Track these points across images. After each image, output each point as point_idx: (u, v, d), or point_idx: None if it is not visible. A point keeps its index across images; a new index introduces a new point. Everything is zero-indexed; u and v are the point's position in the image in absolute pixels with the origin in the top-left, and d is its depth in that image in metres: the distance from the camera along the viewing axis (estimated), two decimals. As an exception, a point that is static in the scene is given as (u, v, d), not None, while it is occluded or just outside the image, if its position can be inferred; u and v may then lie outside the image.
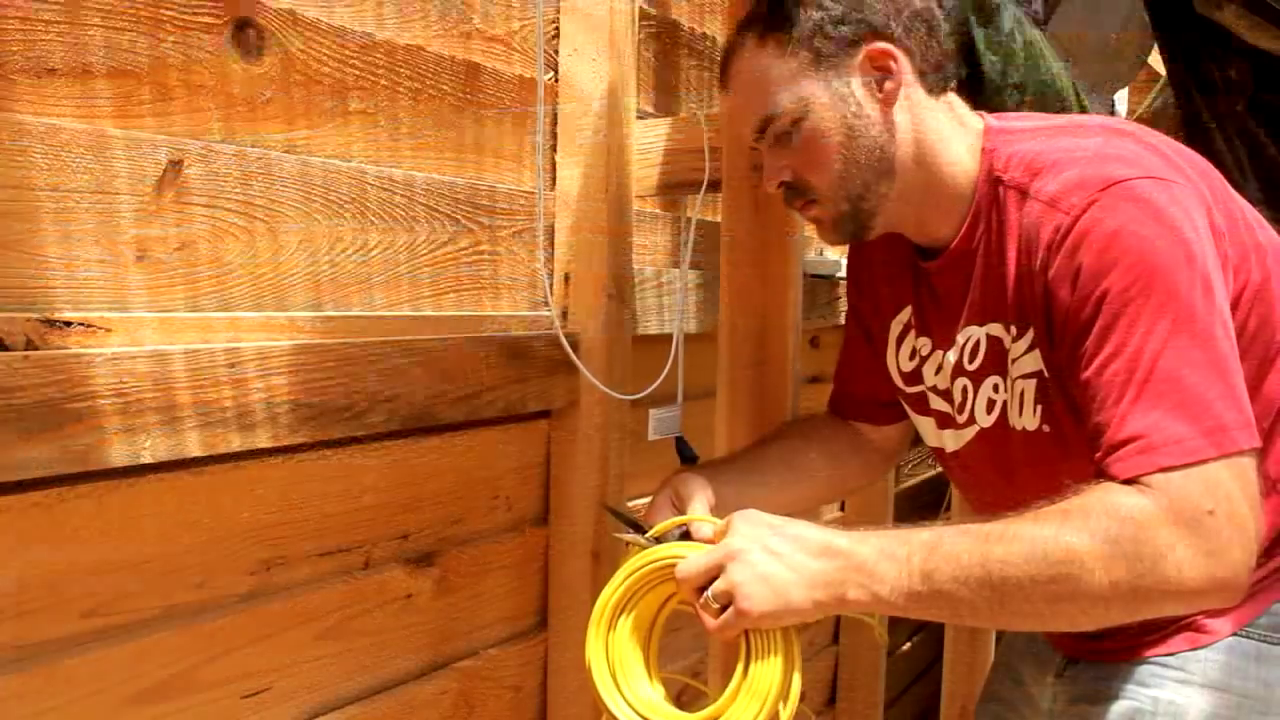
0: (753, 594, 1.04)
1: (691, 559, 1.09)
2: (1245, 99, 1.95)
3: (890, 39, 1.14)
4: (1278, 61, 1.89)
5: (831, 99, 1.13)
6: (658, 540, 1.17)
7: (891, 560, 1.02)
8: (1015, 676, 1.37)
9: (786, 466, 1.36)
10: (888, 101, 1.14)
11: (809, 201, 1.20)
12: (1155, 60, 2.47)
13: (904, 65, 1.15)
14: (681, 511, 1.21)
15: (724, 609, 1.06)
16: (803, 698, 1.09)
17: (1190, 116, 1.99)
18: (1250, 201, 1.21)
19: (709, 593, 1.07)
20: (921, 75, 1.16)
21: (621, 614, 1.15)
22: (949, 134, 1.17)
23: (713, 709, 1.08)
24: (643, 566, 1.14)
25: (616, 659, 1.14)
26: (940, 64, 1.18)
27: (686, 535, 1.18)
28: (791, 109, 1.14)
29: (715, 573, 1.07)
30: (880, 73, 1.14)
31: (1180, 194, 1.04)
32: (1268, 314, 1.10)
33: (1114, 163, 1.06)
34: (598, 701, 1.14)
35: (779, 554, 1.05)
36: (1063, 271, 1.04)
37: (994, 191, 1.14)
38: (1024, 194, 1.10)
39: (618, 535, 1.22)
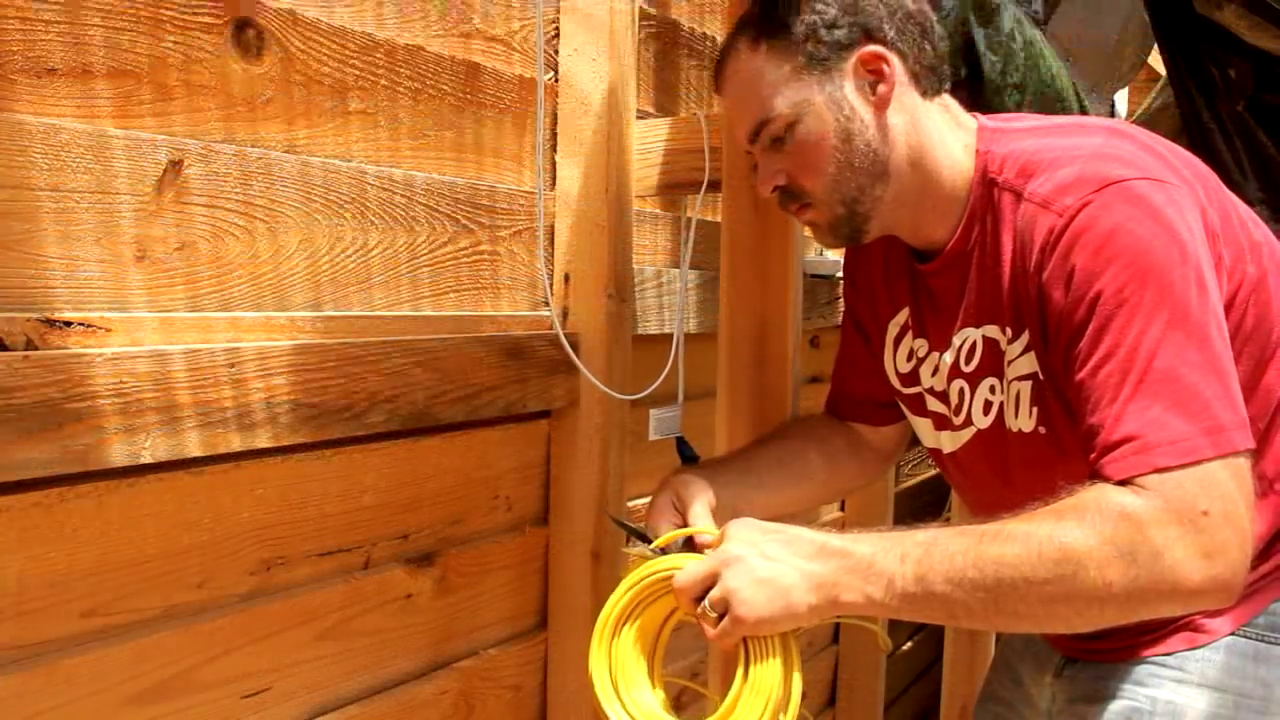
0: (749, 600, 1.04)
1: (688, 569, 1.09)
2: (1245, 99, 1.95)
3: (883, 42, 1.14)
4: (1278, 61, 1.89)
5: (825, 103, 1.14)
6: (663, 551, 1.17)
7: (886, 562, 1.02)
8: (1014, 676, 1.38)
9: (784, 468, 1.36)
10: (881, 105, 1.14)
11: (804, 205, 1.20)
12: (1155, 60, 2.47)
13: (897, 68, 1.15)
14: (683, 513, 1.21)
15: (722, 617, 1.06)
16: (803, 698, 1.09)
17: (1190, 116, 1.99)
18: (1250, 202, 1.21)
19: (706, 601, 1.07)
20: (915, 78, 1.16)
21: (625, 625, 1.15)
22: (943, 136, 1.17)
23: (715, 718, 1.08)
24: (645, 578, 1.14)
25: (619, 668, 1.14)
26: (934, 66, 1.18)
27: (690, 543, 1.18)
28: (785, 113, 1.14)
29: (711, 581, 1.07)
30: (873, 76, 1.14)
31: (1175, 195, 1.04)
32: (1264, 311, 1.10)
33: (1111, 162, 1.06)
34: (598, 711, 1.14)
35: (774, 558, 1.05)
36: (1056, 273, 1.04)
37: (989, 193, 1.14)
38: (1018, 196, 1.10)
39: (625, 550, 1.22)
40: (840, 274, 2.17)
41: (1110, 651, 1.17)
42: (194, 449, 1.06)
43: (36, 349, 0.94)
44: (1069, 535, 0.96)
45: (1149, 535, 0.94)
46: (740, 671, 1.08)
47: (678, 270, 1.77)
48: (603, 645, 1.15)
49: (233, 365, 1.09)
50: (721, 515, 1.20)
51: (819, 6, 1.14)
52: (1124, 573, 0.94)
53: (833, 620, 2.35)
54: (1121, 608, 0.97)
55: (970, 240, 1.16)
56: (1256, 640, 1.13)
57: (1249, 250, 1.11)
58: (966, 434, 1.23)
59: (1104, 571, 0.95)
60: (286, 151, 1.23)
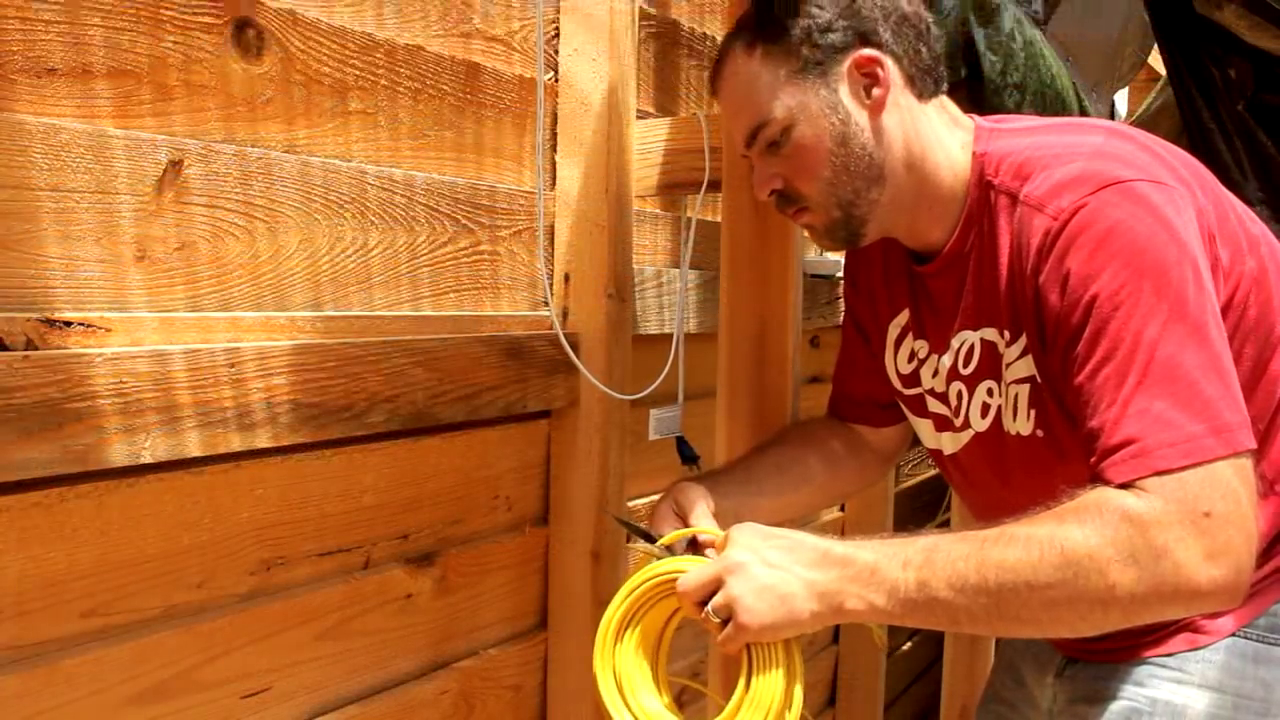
0: (752, 607, 1.04)
1: (691, 573, 1.09)
2: (1245, 99, 1.95)
3: (878, 45, 1.14)
4: (1278, 61, 1.89)
5: (820, 107, 1.13)
6: (669, 550, 1.17)
7: (888, 569, 1.02)
8: (1016, 676, 1.38)
9: (783, 473, 1.36)
10: (876, 108, 1.14)
11: (800, 209, 1.20)
12: (1155, 60, 2.47)
13: (892, 72, 1.15)
14: (684, 519, 1.21)
15: (725, 622, 1.06)
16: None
17: (1190, 117, 1.99)
18: (1250, 202, 1.21)
19: (709, 607, 1.07)
20: (910, 81, 1.16)
21: (628, 628, 1.16)
22: (940, 139, 1.17)
23: None
24: (646, 581, 1.14)
25: (623, 673, 1.15)
26: (930, 69, 1.18)
27: (694, 544, 1.18)
28: (780, 117, 1.14)
29: (715, 586, 1.07)
30: (868, 80, 1.14)
31: (1174, 196, 1.04)
32: (1265, 307, 1.10)
33: (1110, 162, 1.06)
34: (605, 717, 1.15)
35: (777, 566, 1.05)
36: (1052, 276, 1.04)
37: (985, 195, 1.14)
38: (1014, 198, 1.10)
39: (630, 546, 1.23)
40: (840, 274, 2.17)
41: (1111, 652, 1.17)
42: (194, 449, 1.06)
43: (36, 349, 0.94)
44: (1071, 538, 0.95)
45: (1151, 537, 0.94)
46: (742, 682, 1.08)
47: (678, 270, 1.77)
48: (606, 650, 1.15)
49: (233, 365, 1.09)
50: (723, 523, 1.20)
51: (814, 10, 1.14)
52: (1127, 575, 0.94)
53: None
54: (1125, 610, 0.96)
55: (967, 243, 1.16)
56: (1257, 641, 1.13)
57: (1247, 246, 1.10)
58: (966, 436, 1.23)
59: (1106, 574, 0.94)
60: (286, 151, 1.23)
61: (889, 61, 1.14)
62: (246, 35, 1.17)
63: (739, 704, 1.07)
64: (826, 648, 2.73)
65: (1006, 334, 1.13)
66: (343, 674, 1.32)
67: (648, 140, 1.64)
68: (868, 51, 1.13)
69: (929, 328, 1.26)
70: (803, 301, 1.55)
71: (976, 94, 1.81)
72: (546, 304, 1.57)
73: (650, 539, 1.20)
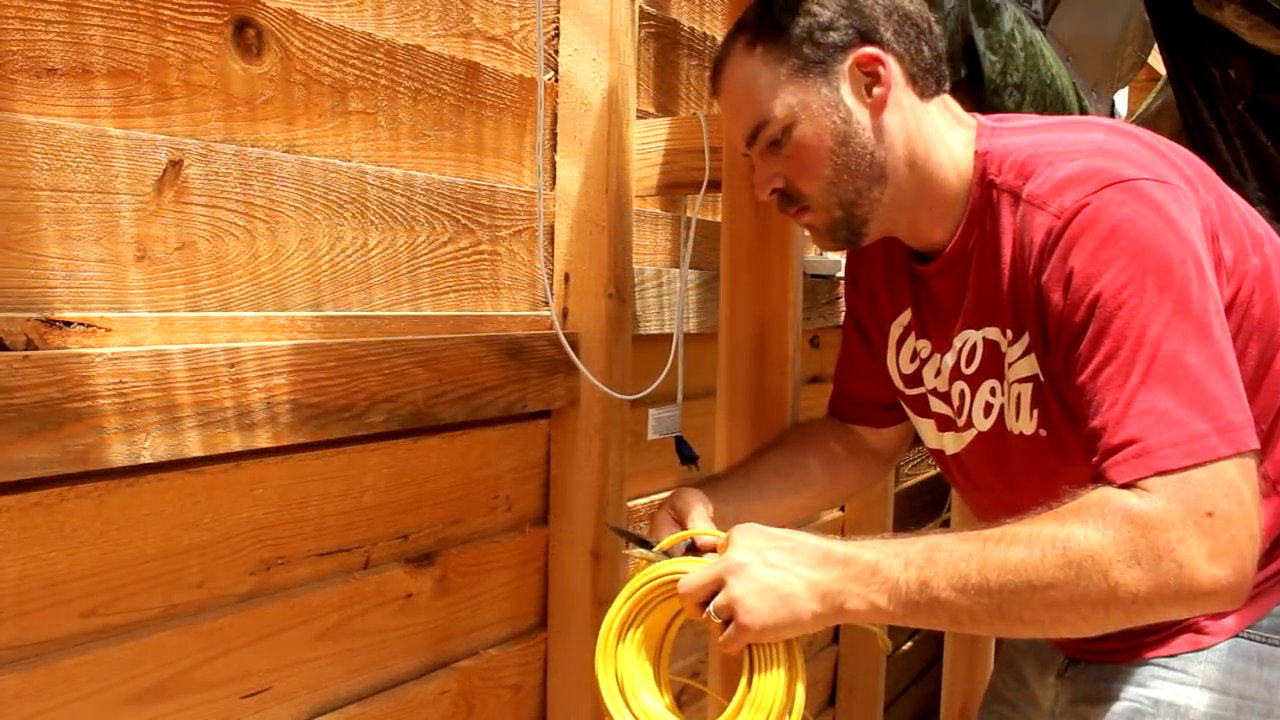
0: (753, 608, 1.04)
1: (693, 574, 1.09)
2: (1245, 99, 1.95)
3: (880, 44, 1.14)
4: (1278, 61, 1.89)
5: (821, 106, 1.13)
6: (666, 554, 1.17)
7: (890, 569, 1.02)
8: (1018, 676, 1.37)
9: (783, 477, 1.36)
10: (877, 107, 1.14)
11: (802, 208, 1.19)
12: (1155, 60, 2.47)
13: (894, 70, 1.14)
14: (683, 526, 1.21)
15: (727, 623, 1.06)
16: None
17: (1190, 116, 1.99)
18: (1250, 201, 1.21)
19: (710, 608, 1.07)
20: (912, 79, 1.16)
21: (629, 629, 1.16)
22: (942, 138, 1.17)
23: None
24: (647, 582, 1.15)
25: (624, 674, 1.15)
26: (932, 67, 1.18)
27: (693, 547, 1.18)
28: (781, 116, 1.14)
29: (716, 587, 1.07)
30: (869, 78, 1.14)
31: (1177, 194, 1.04)
32: (1269, 305, 1.10)
33: (1112, 159, 1.05)
34: (604, 716, 1.15)
35: (778, 566, 1.05)
36: (1055, 275, 1.04)
37: (987, 194, 1.14)
38: (1016, 197, 1.10)
39: (627, 552, 1.23)
40: (840, 274, 2.17)
41: (1114, 652, 1.17)
42: (194, 449, 1.05)
43: (36, 349, 0.94)
44: (1073, 538, 0.95)
45: (1153, 537, 0.93)
46: (743, 682, 1.08)
47: (678, 270, 1.77)
48: (609, 650, 1.15)
49: (233, 365, 1.09)
50: (722, 527, 1.20)
51: (815, 9, 1.13)
52: (1129, 576, 0.94)
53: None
54: (1128, 611, 0.96)
55: (969, 242, 1.16)
56: (1260, 643, 1.13)
57: (1251, 244, 1.10)
58: (969, 436, 1.23)
59: (1109, 575, 0.94)
60: (286, 151, 1.23)
61: (890, 60, 1.14)
62: (246, 35, 1.17)
63: (740, 704, 1.07)
64: (826, 647, 2.73)
65: (1009, 333, 1.13)
66: (343, 674, 1.32)
67: (648, 140, 1.64)
68: (869, 50, 1.13)
69: (931, 327, 1.26)
70: (803, 301, 1.55)
71: (976, 94, 1.81)
72: (546, 304, 1.57)
73: (648, 545, 1.20)
